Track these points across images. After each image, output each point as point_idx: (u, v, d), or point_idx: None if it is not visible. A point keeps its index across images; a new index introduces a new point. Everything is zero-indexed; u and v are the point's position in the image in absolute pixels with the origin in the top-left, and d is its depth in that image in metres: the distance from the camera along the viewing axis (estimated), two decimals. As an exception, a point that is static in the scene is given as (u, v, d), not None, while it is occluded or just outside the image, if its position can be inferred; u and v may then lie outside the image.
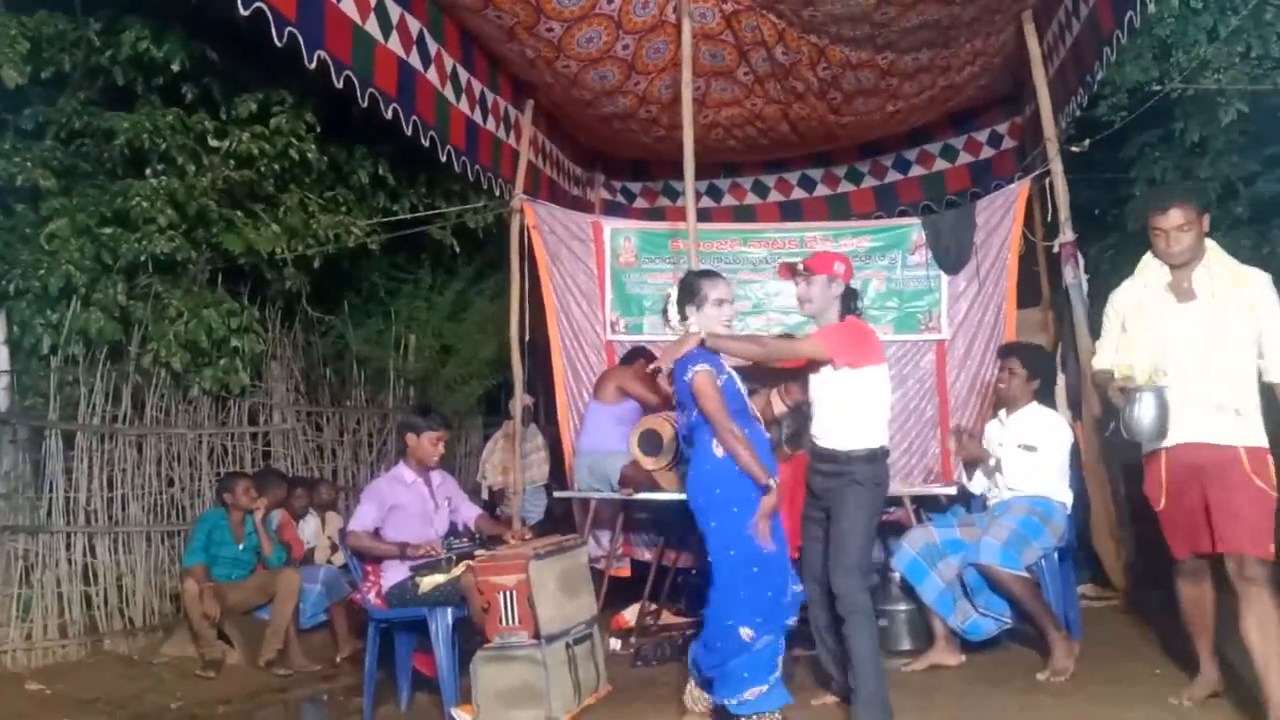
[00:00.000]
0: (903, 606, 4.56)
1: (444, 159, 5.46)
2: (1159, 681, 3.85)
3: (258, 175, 5.90)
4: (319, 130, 6.05)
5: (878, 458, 3.66)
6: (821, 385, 3.71)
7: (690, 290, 3.66)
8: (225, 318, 5.88)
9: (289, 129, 5.87)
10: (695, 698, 3.75)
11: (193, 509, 6.06)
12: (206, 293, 6.04)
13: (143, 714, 4.72)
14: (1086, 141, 5.58)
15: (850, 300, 3.76)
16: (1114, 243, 7.22)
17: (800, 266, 3.77)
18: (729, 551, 3.49)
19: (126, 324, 5.71)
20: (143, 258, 5.61)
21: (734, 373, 3.62)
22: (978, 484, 4.61)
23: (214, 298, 6.00)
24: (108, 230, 5.52)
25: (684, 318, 3.64)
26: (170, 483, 6.04)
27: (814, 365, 3.72)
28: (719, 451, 3.48)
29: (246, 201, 6.02)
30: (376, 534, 4.47)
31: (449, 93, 5.37)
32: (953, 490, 5.01)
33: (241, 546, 5.60)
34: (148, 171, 5.66)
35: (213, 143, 5.76)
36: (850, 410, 3.64)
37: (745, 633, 3.45)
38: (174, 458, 6.08)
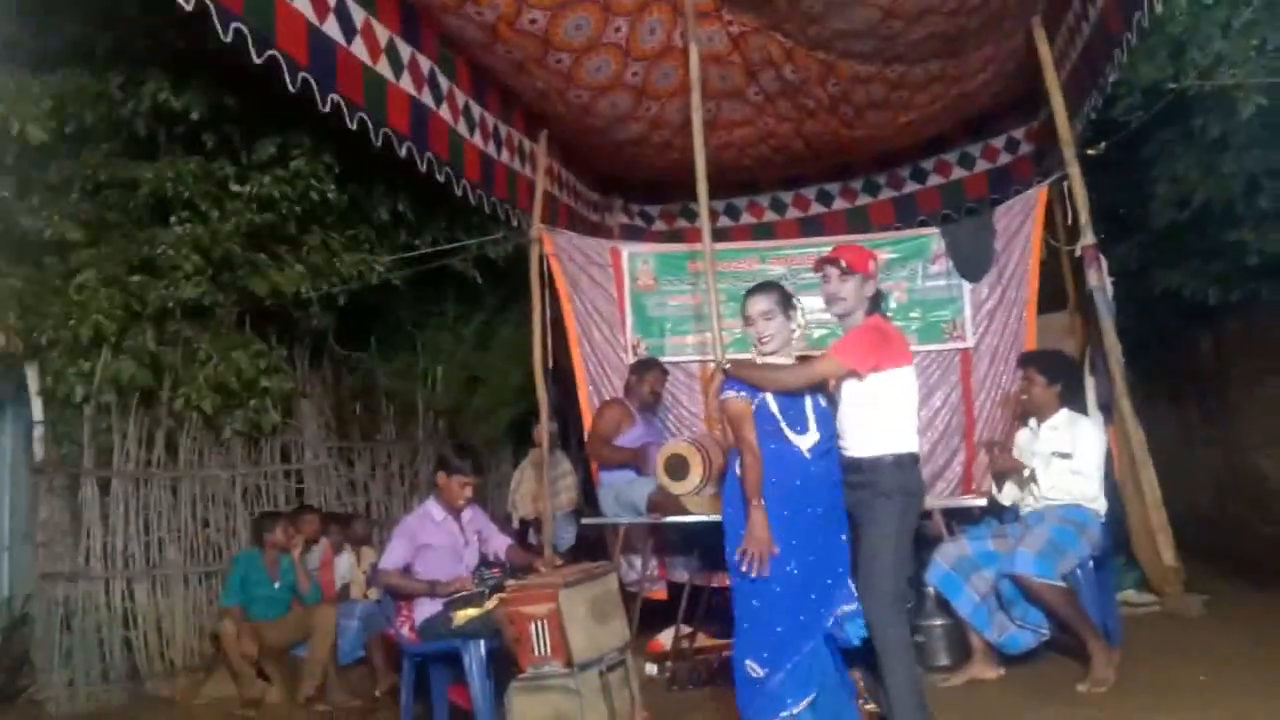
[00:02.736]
0: (938, 621, 4.51)
1: (460, 193, 5.52)
2: (1204, 688, 3.77)
3: (280, 217, 5.99)
4: (338, 170, 6.14)
5: (906, 464, 3.45)
6: (843, 391, 3.53)
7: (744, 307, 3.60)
8: (254, 359, 5.97)
9: (309, 171, 5.95)
10: None
11: (229, 549, 6.13)
12: (234, 335, 6.13)
13: (186, 756, 4.76)
14: (1103, 144, 5.53)
15: (879, 301, 3.64)
16: (1139, 242, 7.13)
17: (842, 263, 3.57)
18: (735, 578, 3.41)
19: (157, 370, 5.81)
20: (170, 304, 5.70)
21: (769, 395, 3.48)
22: (1008, 495, 4.55)
23: (242, 340, 6.09)
24: (135, 278, 5.62)
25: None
26: (206, 524, 6.12)
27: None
28: (738, 470, 3.42)
29: (270, 244, 6.11)
30: (407, 571, 4.49)
31: (462, 128, 5.44)
32: (983, 501, 4.96)
33: (277, 585, 5.65)
34: (172, 219, 5.76)
35: (234, 188, 5.86)
36: (873, 415, 3.44)
37: (751, 667, 3.35)
38: (209, 499, 6.16)
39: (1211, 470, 8.41)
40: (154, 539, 5.80)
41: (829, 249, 6.04)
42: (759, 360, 3.57)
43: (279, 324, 6.55)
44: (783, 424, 3.45)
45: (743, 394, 3.45)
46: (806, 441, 3.44)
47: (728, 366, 3.58)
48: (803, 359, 3.61)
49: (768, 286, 3.62)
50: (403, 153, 4.88)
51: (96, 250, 5.62)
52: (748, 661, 3.36)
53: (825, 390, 3.54)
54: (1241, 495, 8.10)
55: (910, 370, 3.53)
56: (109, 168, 5.76)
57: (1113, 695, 3.83)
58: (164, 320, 5.87)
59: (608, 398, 6.03)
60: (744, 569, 3.32)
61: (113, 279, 5.55)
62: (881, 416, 3.44)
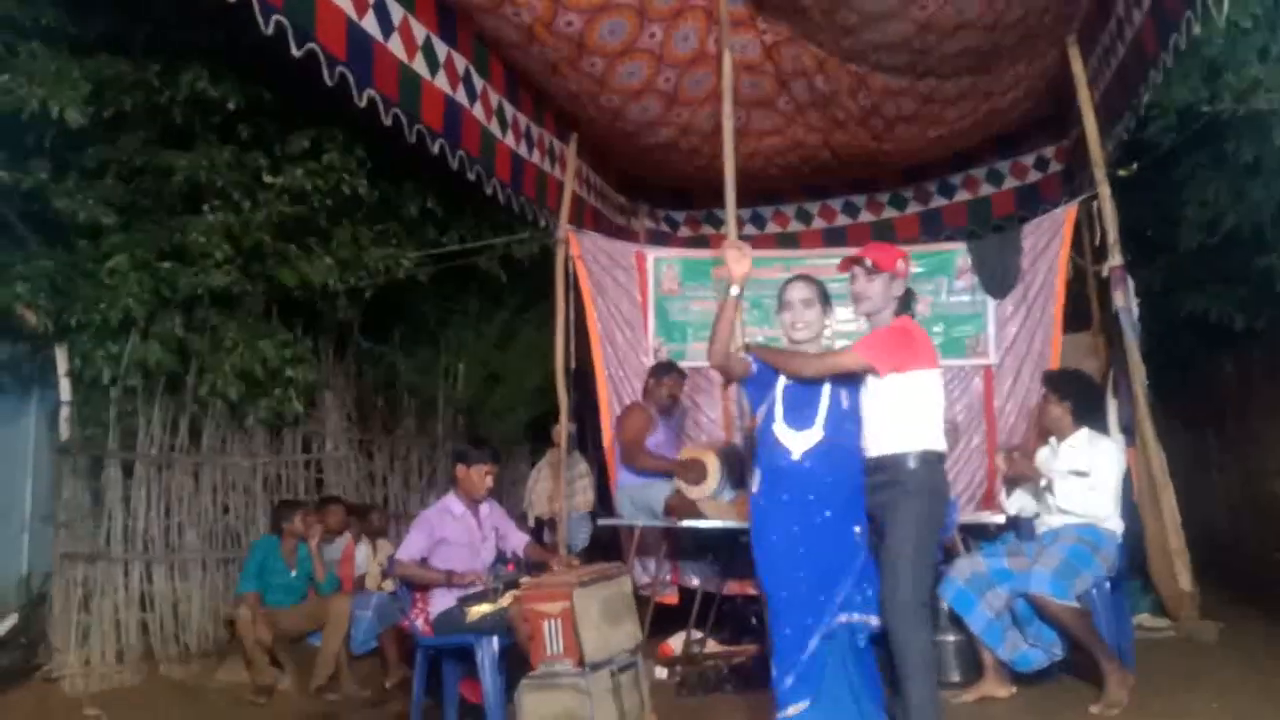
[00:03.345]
0: (951, 637, 4.49)
1: (490, 192, 5.56)
2: (1217, 715, 3.75)
3: (310, 210, 6.04)
4: (369, 166, 6.19)
5: (930, 462, 3.35)
6: (868, 393, 3.45)
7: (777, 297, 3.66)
8: (280, 349, 6.03)
9: (340, 165, 6.01)
10: None
11: (247, 536, 6.19)
12: (261, 324, 6.19)
13: (197, 739, 4.81)
14: (1135, 165, 5.51)
15: (908, 301, 3.56)
16: (1166, 264, 7.11)
17: (868, 262, 3.52)
18: (763, 585, 3.53)
19: (184, 356, 5.87)
20: (200, 291, 5.75)
21: (780, 389, 3.49)
22: (1015, 504, 4.54)
23: (269, 329, 6.15)
24: (166, 265, 5.68)
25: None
26: (226, 510, 6.18)
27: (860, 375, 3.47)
28: (754, 484, 3.53)
29: (300, 235, 6.17)
30: (424, 563, 4.53)
31: (494, 127, 5.48)
32: (1001, 519, 4.95)
33: (294, 573, 5.70)
34: (205, 207, 5.82)
35: (267, 179, 5.91)
36: (899, 414, 3.36)
37: (773, 667, 3.43)
38: (230, 486, 6.22)
39: (1229, 496, 8.38)
40: (174, 523, 5.86)
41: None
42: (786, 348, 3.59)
43: (305, 315, 6.61)
44: (779, 419, 3.44)
45: (750, 360, 3.55)
46: (802, 441, 3.42)
47: (752, 343, 3.64)
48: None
49: (809, 278, 3.64)
50: (435, 150, 4.92)
51: (129, 235, 5.68)
52: (772, 662, 3.42)
53: (850, 390, 3.48)
54: (1258, 522, 8.05)
55: (936, 374, 3.44)
56: (144, 154, 5.82)
57: (1125, 718, 3.81)
58: (193, 307, 5.92)
59: (628, 401, 6.04)
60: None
61: (143, 264, 5.60)
62: (905, 416, 3.36)
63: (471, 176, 5.32)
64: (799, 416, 3.44)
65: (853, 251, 3.71)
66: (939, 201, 7.61)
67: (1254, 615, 5.45)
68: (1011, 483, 4.57)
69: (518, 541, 4.88)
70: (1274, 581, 6.67)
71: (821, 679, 3.35)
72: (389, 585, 5.88)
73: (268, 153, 6.03)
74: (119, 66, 5.65)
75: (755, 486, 3.52)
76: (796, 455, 3.41)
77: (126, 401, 5.70)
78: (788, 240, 7.91)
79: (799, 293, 3.57)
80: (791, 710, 3.34)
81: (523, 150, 5.86)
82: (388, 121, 4.51)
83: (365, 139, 6.02)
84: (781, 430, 3.45)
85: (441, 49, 4.89)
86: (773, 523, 3.44)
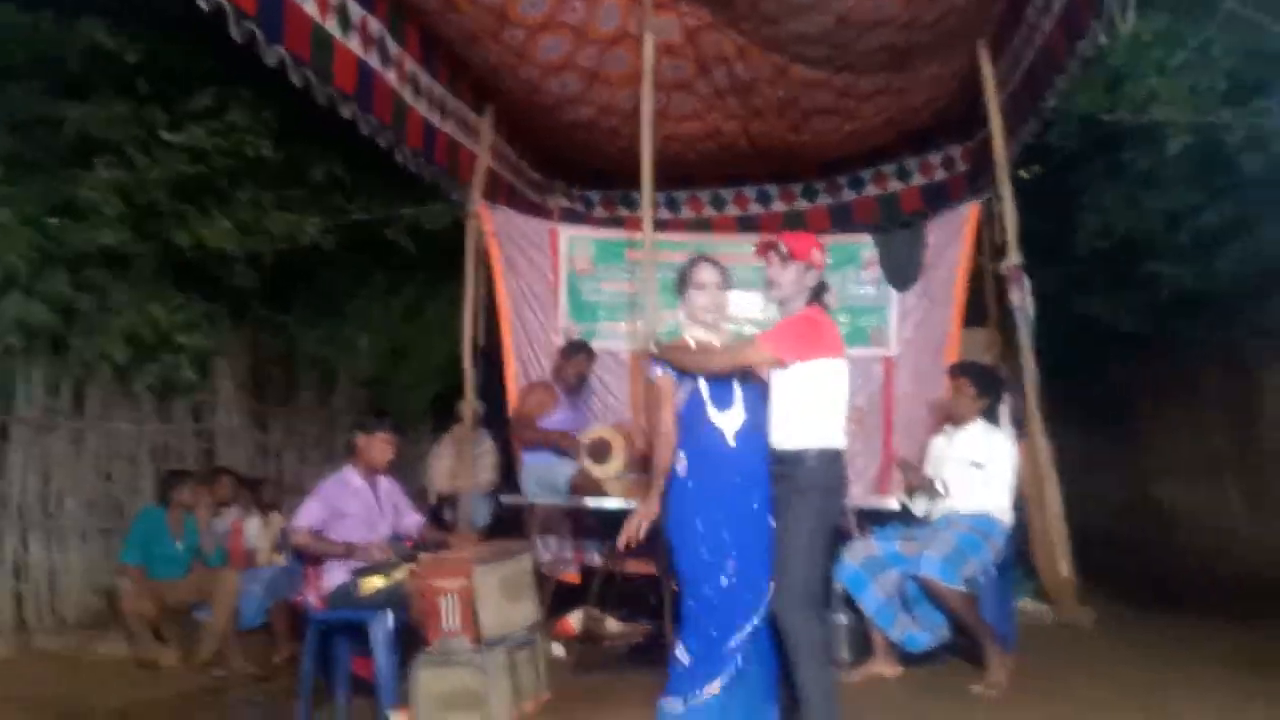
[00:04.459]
0: (844, 618, 4.60)
1: (401, 161, 5.44)
2: (1092, 699, 3.91)
3: (210, 170, 5.85)
4: (275, 127, 6.00)
5: (828, 460, 3.34)
6: (773, 381, 3.43)
7: (680, 275, 3.62)
8: (171, 313, 5.84)
9: (244, 125, 5.83)
10: None
11: (131, 506, 5.97)
12: (153, 287, 5.96)
13: (73, 713, 4.61)
14: (1037, 167, 5.68)
15: (820, 292, 3.53)
16: (1062, 268, 7.36)
17: (783, 248, 3.50)
18: (682, 578, 3.47)
19: (69, 316, 5.61)
20: (89, 249, 5.51)
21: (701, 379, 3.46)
22: (920, 506, 4.67)
23: (161, 292, 5.93)
24: (54, 221, 5.42)
25: (680, 304, 3.63)
26: (109, 478, 5.95)
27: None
28: (679, 469, 3.45)
29: (198, 196, 5.97)
30: (319, 535, 4.42)
31: (407, 95, 5.35)
32: (895, 504, 5.07)
33: (180, 546, 5.51)
34: (97, 162, 5.58)
35: (165, 136, 5.70)
36: (802, 407, 3.33)
37: (681, 651, 3.35)
38: (114, 453, 5.98)
39: (1113, 492, 8.75)
40: (53, 490, 5.61)
41: (773, 241, 6.17)
42: (689, 338, 3.56)
43: (201, 280, 6.39)
44: (709, 405, 3.43)
45: (670, 374, 3.47)
46: (731, 422, 3.42)
47: (658, 349, 3.58)
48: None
49: (716, 261, 3.65)
50: (345, 114, 4.79)
51: (15, 189, 5.40)
52: (679, 644, 3.37)
53: (755, 375, 3.48)
54: (1139, 518, 8.45)
55: (842, 363, 3.44)
56: (34, 105, 5.53)
57: (1005, 698, 3.95)
58: (81, 266, 5.67)
59: (535, 379, 6.00)
60: (621, 542, 3.36)
61: (30, 219, 5.34)
62: (807, 409, 3.34)
63: (382, 144, 5.20)
64: (722, 398, 3.44)
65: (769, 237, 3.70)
66: (849, 195, 7.74)
67: (1131, 605, 5.72)
68: (911, 490, 4.70)
69: (412, 522, 4.80)
70: (1151, 575, 7.01)
71: (740, 663, 3.34)
72: (281, 558, 5.75)
73: (167, 109, 5.80)
74: (10, 14, 5.36)
75: (681, 470, 3.43)
76: (730, 437, 3.41)
77: (6, 362, 5.43)
78: (701, 225, 7.94)
79: (713, 275, 3.58)
80: (703, 692, 3.28)
81: (436, 120, 5.74)
82: (297, 82, 4.36)
83: (272, 100, 5.83)
84: (713, 413, 3.43)
85: (356, 11, 4.75)
86: (698, 506, 3.38)
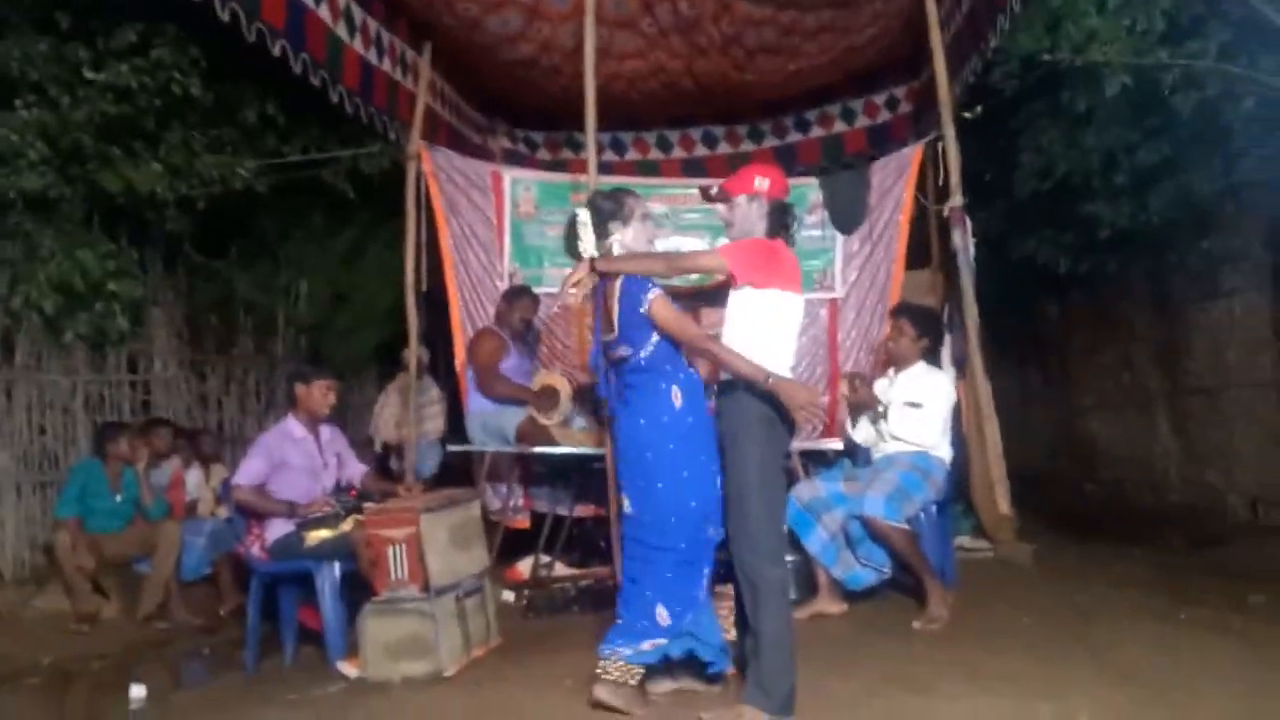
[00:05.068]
0: (789, 557, 4.66)
1: (336, 100, 5.26)
2: (1028, 630, 4.04)
3: (137, 110, 5.63)
4: (204, 65, 5.77)
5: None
6: (728, 309, 3.33)
7: (614, 207, 3.39)
8: (101, 260, 5.66)
9: (171, 62, 5.61)
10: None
11: (66, 459, 5.84)
12: (81, 233, 5.77)
13: (12, 669, 4.55)
14: (979, 108, 5.69)
15: (783, 218, 3.36)
16: (1003, 209, 7.43)
17: (713, 190, 3.41)
18: (670, 518, 3.22)
19: (-7, 264, 5.42)
20: (12, 194, 5.31)
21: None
22: (860, 432, 4.74)
23: (89, 238, 5.74)
24: (-28, 164, 5.20)
25: (605, 239, 3.35)
26: (43, 431, 5.80)
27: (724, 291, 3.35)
28: (677, 400, 3.25)
29: (125, 138, 5.75)
30: (262, 489, 4.36)
31: (342, 31, 5.17)
32: (839, 445, 5.15)
33: (119, 498, 5.41)
34: (17, 103, 5.35)
35: (89, 74, 5.47)
36: (752, 336, 3.21)
37: (660, 613, 3.20)
38: (46, 405, 5.82)
39: (1047, 430, 8.97)
40: (-17, 444, 5.46)
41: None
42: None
43: (131, 225, 6.20)
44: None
45: (659, 291, 3.24)
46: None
47: (597, 264, 3.33)
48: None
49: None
50: (276, 51, 4.59)
51: (-73, 130, 5.17)
52: (659, 608, 3.20)
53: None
54: (1072, 455, 8.68)
55: (798, 299, 3.33)
56: (-55, 41, 5.27)
57: (945, 633, 4.06)
58: (5, 212, 5.46)
59: (481, 325, 5.93)
60: (809, 428, 3.22)
61: (-54, 163, 5.12)
62: (757, 338, 3.22)
63: (316, 82, 5.01)
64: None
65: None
66: (794, 137, 7.71)
67: (1065, 540, 5.90)
68: (855, 409, 4.75)
69: (356, 471, 4.76)
70: (1083, 509, 7.23)
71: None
72: (223, 511, 5.68)
73: (90, 46, 5.55)
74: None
75: (678, 402, 3.25)
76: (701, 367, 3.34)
77: (-72, 312, 5.23)
78: (648, 168, 7.86)
79: (647, 208, 3.49)
80: (661, 637, 3.23)
81: (373, 57, 5.56)
82: (225, 17, 4.18)
83: (200, 36, 5.60)
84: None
85: (286, -57, 4.56)
86: (703, 441, 3.24)
